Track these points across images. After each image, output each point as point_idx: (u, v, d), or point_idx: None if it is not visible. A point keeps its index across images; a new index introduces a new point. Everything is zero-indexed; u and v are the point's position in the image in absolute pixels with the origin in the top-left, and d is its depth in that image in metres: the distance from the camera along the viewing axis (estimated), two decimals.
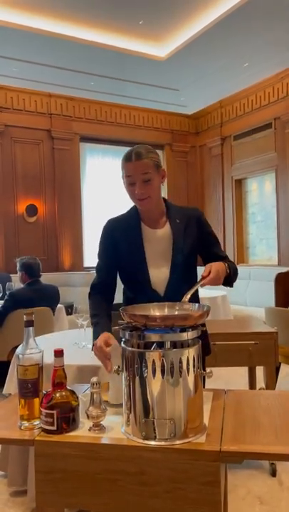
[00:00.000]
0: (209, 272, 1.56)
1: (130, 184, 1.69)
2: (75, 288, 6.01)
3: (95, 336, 1.59)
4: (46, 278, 4.07)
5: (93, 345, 1.56)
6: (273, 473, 2.50)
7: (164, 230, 1.77)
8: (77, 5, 4.28)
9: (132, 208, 1.85)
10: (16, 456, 2.35)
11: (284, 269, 5.29)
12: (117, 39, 4.94)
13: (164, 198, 1.82)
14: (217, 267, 1.58)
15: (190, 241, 1.75)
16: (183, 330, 1.21)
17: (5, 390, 2.67)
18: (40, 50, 4.92)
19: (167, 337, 1.20)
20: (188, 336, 1.21)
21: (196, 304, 1.41)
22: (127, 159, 1.68)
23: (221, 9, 4.38)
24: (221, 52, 5.11)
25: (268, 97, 6.37)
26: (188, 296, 1.49)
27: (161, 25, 4.75)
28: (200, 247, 1.79)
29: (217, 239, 1.87)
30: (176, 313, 1.38)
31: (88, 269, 6.66)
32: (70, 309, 5.27)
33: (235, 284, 1.82)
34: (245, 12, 4.27)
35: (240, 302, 6.17)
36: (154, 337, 1.21)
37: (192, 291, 1.52)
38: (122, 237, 1.77)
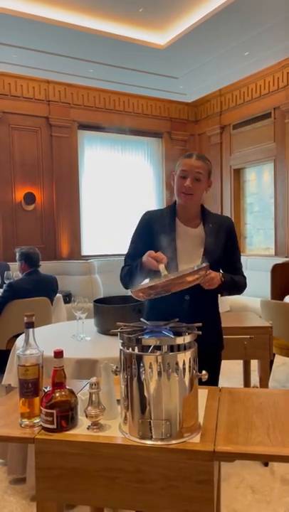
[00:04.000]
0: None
1: (182, 177, 1.83)
2: (73, 276, 6.05)
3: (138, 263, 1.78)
4: (44, 266, 4.10)
5: (141, 264, 1.75)
6: (266, 463, 2.57)
7: (198, 231, 1.90)
8: None
9: (170, 205, 1.98)
10: (15, 444, 2.40)
11: (280, 260, 5.34)
12: (117, 26, 4.88)
13: (201, 204, 1.95)
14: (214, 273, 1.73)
15: (219, 247, 1.88)
16: (179, 334, 1.25)
17: (4, 381, 2.71)
18: (39, 37, 4.85)
19: (164, 341, 1.23)
20: (184, 340, 1.24)
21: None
22: (188, 156, 1.86)
23: None
24: (222, 40, 5.05)
25: (268, 86, 6.32)
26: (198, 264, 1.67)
27: (162, 13, 4.69)
28: (223, 253, 1.90)
29: (239, 250, 2.01)
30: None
31: (86, 257, 6.68)
32: (67, 298, 5.33)
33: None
34: (246, 0, 4.22)
35: None
36: (151, 341, 1.24)
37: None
38: (158, 230, 1.87)
